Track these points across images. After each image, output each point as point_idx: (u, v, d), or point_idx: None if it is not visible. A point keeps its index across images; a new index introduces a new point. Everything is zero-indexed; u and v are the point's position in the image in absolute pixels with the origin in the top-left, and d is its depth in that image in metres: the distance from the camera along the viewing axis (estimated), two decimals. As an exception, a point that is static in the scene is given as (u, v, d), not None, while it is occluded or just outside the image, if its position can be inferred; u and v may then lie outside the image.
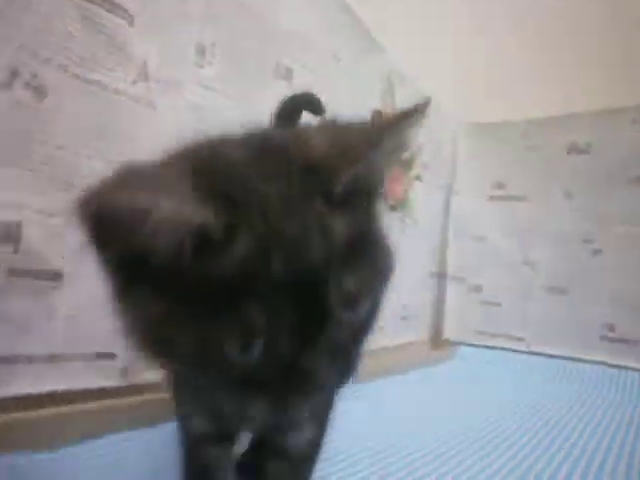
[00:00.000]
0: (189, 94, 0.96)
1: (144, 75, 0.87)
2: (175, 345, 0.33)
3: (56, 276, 0.76)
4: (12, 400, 0.72)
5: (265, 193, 0.32)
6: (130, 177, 0.31)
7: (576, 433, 1.10)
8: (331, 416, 0.59)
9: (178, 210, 0.29)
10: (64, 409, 0.76)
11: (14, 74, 0.71)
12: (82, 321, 0.78)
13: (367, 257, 0.35)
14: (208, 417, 0.51)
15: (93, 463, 0.71)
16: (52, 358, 0.76)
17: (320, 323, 0.32)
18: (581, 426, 1.16)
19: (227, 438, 0.56)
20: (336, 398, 0.62)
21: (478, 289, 2.04)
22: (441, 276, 2.08)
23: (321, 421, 0.56)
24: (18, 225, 0.71)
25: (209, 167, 0.33)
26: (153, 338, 0.34)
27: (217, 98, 1.00)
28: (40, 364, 0.75)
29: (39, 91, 0.73)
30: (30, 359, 0.74)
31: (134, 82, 0.86)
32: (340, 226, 0.33)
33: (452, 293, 2.08)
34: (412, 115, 0.36)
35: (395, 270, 0.39)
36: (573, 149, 1.86)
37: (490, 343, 1.98)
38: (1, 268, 0.70)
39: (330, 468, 0.77)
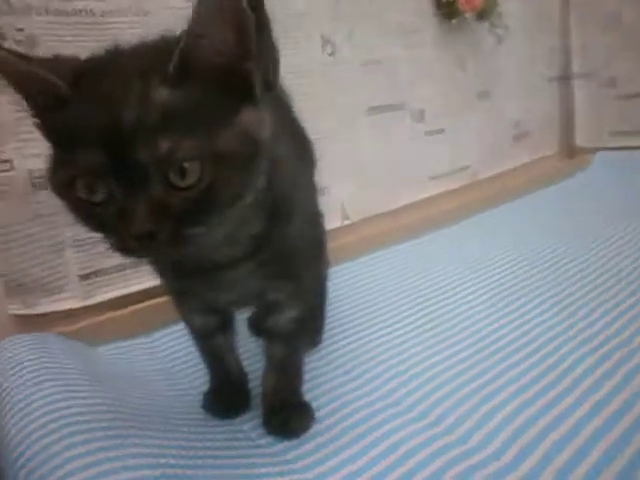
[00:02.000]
0: None
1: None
2: (56, 182, 0.43)
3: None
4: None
5: (106, 71, 0.42)
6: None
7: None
8: (317, 299, 0.64)
9: (35, 70, 0.41)
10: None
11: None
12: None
13: (200, 130, 0.40)
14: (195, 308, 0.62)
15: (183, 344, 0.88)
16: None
17: (141, 178, 0.40)
18: None
19: (222, 327, 0.65)
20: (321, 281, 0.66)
21: (611, 83, 1.72)
22: (564, 78, 1.79)
23: (305, 305, 0.62)
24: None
25: (90, 58, 0.45)
26: (49, 178, 0.44)
27: None
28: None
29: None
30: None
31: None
32: (163, 96, 0.40)
33: (581, 94, 1.79)
34: None
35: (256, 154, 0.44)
36: None
37: (630, 143, 1.71)
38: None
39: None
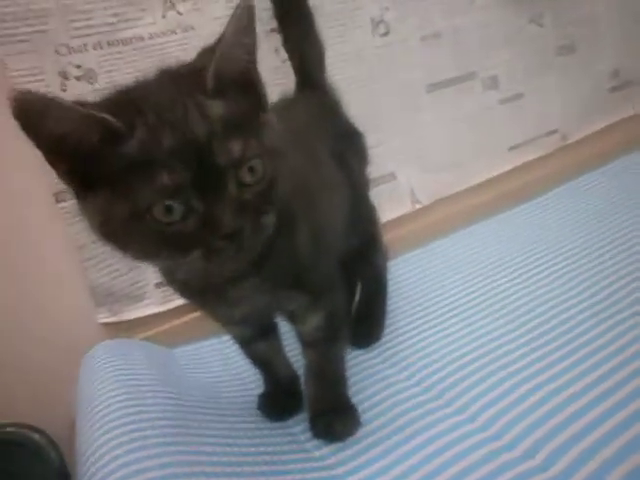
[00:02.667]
0: None
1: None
2: (121, 220, 0.43)
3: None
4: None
5: (157, 98, 0.44)
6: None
7: None
8: (341, 306, 0.64)
9: (76, 110, 0.40)
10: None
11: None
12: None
13: (252, 131, 0.45)
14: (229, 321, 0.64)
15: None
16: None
17: (219, 184, 0.43)
18: None
19: (262, 334, 0.67)
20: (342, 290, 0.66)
21: None
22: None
23: (328, 311, 0.62)
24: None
25: (122, 91, 0.46)
26: (108, 230, 0.44)
27: None
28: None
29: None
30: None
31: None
32: (216, 108, 0.44)
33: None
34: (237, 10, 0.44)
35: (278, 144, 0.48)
36: None
37: None
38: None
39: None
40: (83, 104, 0.42)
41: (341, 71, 1.05)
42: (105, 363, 0.79)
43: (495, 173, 1.29)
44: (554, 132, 1.39)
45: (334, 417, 0.63)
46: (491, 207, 1.24)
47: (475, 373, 0.70)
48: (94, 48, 0.87)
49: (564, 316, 0.78)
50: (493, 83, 1.28)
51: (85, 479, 0.56)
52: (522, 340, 0.75)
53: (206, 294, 0.55)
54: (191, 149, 0.42)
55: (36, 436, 0.76)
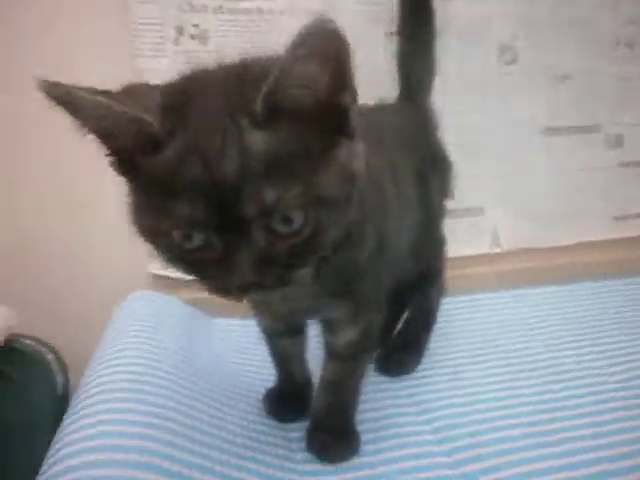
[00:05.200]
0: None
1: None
2: (142, 226, 0.41)
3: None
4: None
5: (203, 111, 0.38)
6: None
7: None
8: (378, 328, 0.60)
9: (120, 107, 0.36)
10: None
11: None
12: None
13: (300, 174, 0.38)
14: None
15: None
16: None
17: (243, 228, 0.37)
18: None
19: (290, 330, 0.64)
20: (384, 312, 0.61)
21: None
22: None
23: (364, 328, 0.58)
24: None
25: (175, 88, 0.41)
26: (134, 220, 0.42)
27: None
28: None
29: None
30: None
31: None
32: (259, 142, 0.37)
33: None
34: (307, 28, 0.34)
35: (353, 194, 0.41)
36: None
37: None
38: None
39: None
40: (125, 100, 0.37)
41: (455, 90, 1.00)
42: (134, 311, 0.81)
43: (591, 239, 1.17)
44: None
45: (333, 437, 0.60)
46: (572, 272, 1.12)
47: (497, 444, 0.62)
48: (214, 12, 0.89)
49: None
50: (617, 142, 1.16)
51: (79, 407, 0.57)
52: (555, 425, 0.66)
53: None
54: (217, 188, 0.36)
55: (50, 356, 0.79)
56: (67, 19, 0.88)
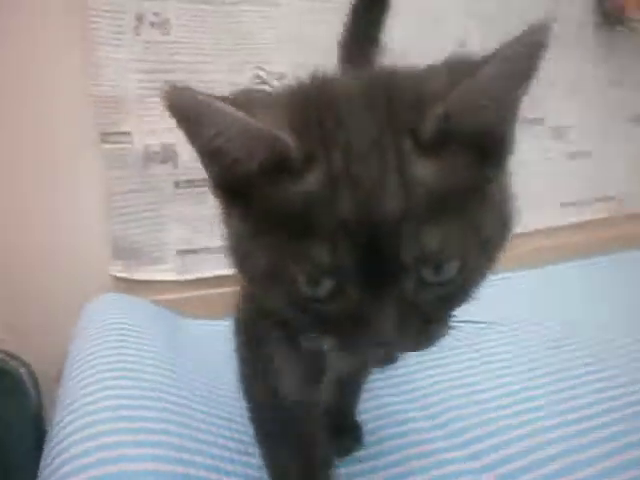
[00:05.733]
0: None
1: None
2: (252, 264, 0.34)
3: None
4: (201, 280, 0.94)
5: (352, 129, 0.31)
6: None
7: None
8: None
9: (244, 122, 0.30)
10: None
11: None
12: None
13: (463, 214, 0.31)
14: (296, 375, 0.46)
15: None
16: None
17: (391, 276, 0.31)
18: None
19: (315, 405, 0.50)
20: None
21: None
22: None
23: None
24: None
25: (308, 99, 0.33)
26: (238, 253, 0.35)
27: None
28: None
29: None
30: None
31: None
32: (426, 173, 0.30)
33: None
34: (528, 33, 0.29)
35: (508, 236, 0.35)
36: None
37: None
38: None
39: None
40: (252, 111, 0.30)
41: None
42: (105, 314, 0.76)
43: (542, 226, 1.24)
44: (611, 198, 1.33)
45: (339, 431, 0.58)
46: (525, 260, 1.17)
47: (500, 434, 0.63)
48: (176, 0, 0.86)
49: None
50: (561, 133, 1.23)
51: (61, 424, 0.52)
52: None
53: None
54: (371, 229, 0.29)
55: (22, 370, 0.72)
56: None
